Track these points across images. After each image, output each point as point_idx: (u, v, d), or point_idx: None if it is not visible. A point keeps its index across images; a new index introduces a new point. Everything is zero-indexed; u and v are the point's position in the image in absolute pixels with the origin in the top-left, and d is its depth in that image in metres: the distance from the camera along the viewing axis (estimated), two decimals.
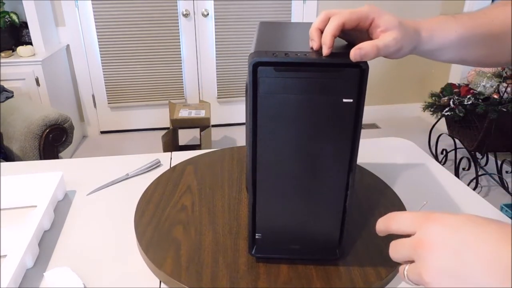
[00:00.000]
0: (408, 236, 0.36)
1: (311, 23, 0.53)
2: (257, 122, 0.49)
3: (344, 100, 0.48)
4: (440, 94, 2.36)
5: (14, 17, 2.38)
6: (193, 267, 0.57)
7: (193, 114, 2.42)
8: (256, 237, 0.57)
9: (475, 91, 2.20)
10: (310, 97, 0.48)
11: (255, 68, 0.46)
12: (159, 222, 0.68)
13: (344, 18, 0.49)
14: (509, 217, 0.75)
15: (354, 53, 0.46)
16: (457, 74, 2.86)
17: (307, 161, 0.51)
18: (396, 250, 0.37)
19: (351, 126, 0.49)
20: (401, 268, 0.37)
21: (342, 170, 0.52)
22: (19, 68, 2.26)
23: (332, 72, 0.47)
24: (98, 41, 2.72)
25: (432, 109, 2.36)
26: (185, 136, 2.87)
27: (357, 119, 0.49)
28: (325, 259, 0.59)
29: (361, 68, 0.46)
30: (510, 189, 2.21)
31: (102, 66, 2.79)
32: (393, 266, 0.58)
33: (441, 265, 0.32)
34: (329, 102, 0.48)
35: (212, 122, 2.51)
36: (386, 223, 0.39)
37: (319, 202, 0.54)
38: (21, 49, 2.30)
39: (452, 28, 0.54)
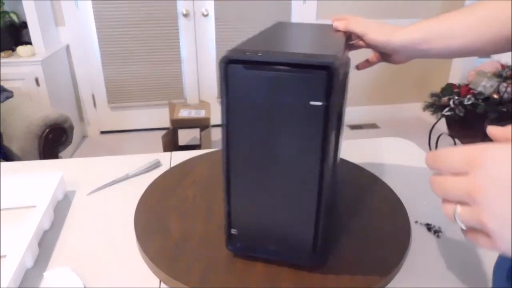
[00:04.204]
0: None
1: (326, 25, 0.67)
2: (229, 119, 0.49)
3: (311, 103, 0.46)
4: (440, 94, 2.37)
5: (14, 17, 2.38)
6: (193, 267, 0.57)
7: (193, 114, 2.42)
8: (232, 232, 0.57)
9: (475, 91, 2.20)
10: (278, 97, 0.46)
11: (226, 65, 0.46)
12: (159, 222, 0.68)
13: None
14: None
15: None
16: (457, 74, 2.86)
17: (276, 161, 0.50)
18: (443, 190, 0.34)
19: (320, 129, 0.47)
20: (448, 207, 0.34)
21: (311, 173, 0.49)
22: (19, 68, 2.26)
23: (299, 73, 0.45)
24: (98, 41, 2.72)
25: (432, 109, 2.36)
26: (185, 136, 2.87)
27: (326, 122, 0.46)
28: (300, 264, 0.57)
29: (330, 70, 0.44)
30: None
31: (102, 66, 2.79)
32: (382, 277, 0.57)
33: (507, 211, 0.29)
34: (296, 103, 0.46)
35: (212, 122, 2.51)
36: (434, 160, 0.35)
37: (290, 203, 0.52)
38: (21, 49, 2.30)
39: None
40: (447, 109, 2.25)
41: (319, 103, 0.45)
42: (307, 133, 0.47)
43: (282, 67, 0.45)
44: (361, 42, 0.68)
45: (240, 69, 0.46)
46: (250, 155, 0.51)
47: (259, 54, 0.46)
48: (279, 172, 0.51)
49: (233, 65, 0.46)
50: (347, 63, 0.59)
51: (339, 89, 0.49)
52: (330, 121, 0.46)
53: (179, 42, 2.81)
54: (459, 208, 0.33)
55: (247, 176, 0.52)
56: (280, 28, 0.65)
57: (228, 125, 0.50)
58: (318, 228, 0.53)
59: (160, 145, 2.40)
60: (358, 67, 0.76)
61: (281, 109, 0.47)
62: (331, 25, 0.69)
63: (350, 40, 0.69)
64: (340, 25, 0.67)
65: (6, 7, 2.41)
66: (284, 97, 0.46)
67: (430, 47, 0.61)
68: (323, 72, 0.44)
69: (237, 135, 0.50)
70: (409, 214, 0.71)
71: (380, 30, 0.65)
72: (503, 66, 2.22)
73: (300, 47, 0.55)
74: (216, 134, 2.94)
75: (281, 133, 0.48)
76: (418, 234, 0.68)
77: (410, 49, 0.63)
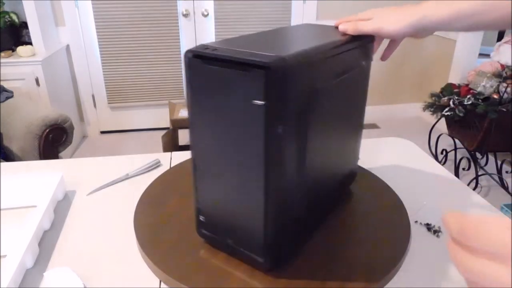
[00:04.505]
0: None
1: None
2: (192, 113, 0.52)
3: (254, 102, 0.45)
4: (440, 94, 2.36)
5: (14, 17, 2.38)
6: (193, 267, 0.57)
7: None
8: (200, 219, 0.60)
9: (475, 91, 2.20)
10: (228, 93, 0.47)
11: (189, 59, 0.49)
12: (159, 222, 0.68)
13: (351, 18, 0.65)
14: (509, 217, 0.75)
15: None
16: (457, 74, 2.86)
17: (228, 157, 0.51)
18: (471, 273, 0.26)
19: (261, 129, 0.46)
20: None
21: (257, 171, 0.49)
22: (19, 68, 2.26)
23: (242, 70, 0.45)
24: (98, 41, 2.72)
25: (432, 109, 2.36)
26: (185, 136, 2.87)
27: (270, 122, 0.46)
28: (253, 264, 0.57)
29: (268, 70, 0.43)
30: (510, 189, 2.21)
31: (102, 66, 2.79)
32: (382, 276, 0.58)
33: None
34: (243, 101, 0.46)
35: None
36: (462, 232, 0.27)
37: (242, 200, 0.53)
38: (21, 49, 2.30)
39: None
40: (447, 109, 2.25)
41: (261, 103, 0.45)
42: (252, 132, 0.47)
43: (230, 65, 0.46)
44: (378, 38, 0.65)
45: (200, 63, 0.48)
46: (207, 147, 0.53)
47: (214, 50, 0.47)
48: (231, 167, 0.52)
49: (194, 59, 0.48)
50: (316, 65, 0.52)
51: (297, 90, 0.48)
52: (276, 121, 0.46)
53: (179, 42, 2.81)
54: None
55: (207, 166, 0.54)
56: (292, 29, 0.65)
57: (191, 118, 0.52)
58: (268, 228, 0.52)
59: (160, 145, 2.40)
60: (383, 58, 0.71)
61: (230, 105, 0.48)
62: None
63: (373, 39, 0.65)
64: (349, 28, 0.63)
65: (6, 7, 2.41)
66: (233, 94, 0.47)
67: (462, 25, 0.59)
68: (261, 72, 0.44)
69: (198, 128, 0.52)
70: (409, 214, 0.72)
71: (397, 18, 0.60)
72: (503, 66, 2.22)
73: (270, 47, 0.52)
74: None
75: (232, 130, 0.49)
76: (418, 234, 0.68)
77: (441, 29, 0.60)
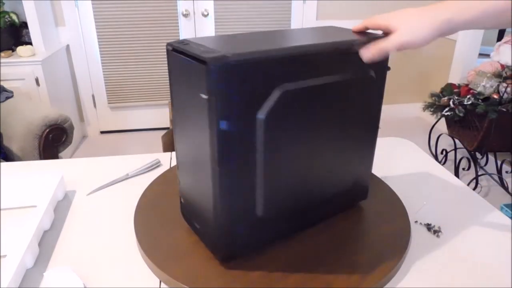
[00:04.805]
0: None
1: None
2: (173, 103, 0.56)
3: (201, 95, 0.48)
4: (440, 94, 2.36)
5: (14, 17, 2.38)
6: (193, 267, 0.57)
7: None
8: (181, 200, 0.65)
9: (475, 91, 2.20)
10: (188, 86, 0.51)
11: (169, 52, 0.52)
12: (159, 222, 0.68)
13: (365, 23, 0.59)
14: (509, 217, 0.75)
15: (362, 52, 0.55)
16: (457, 74, 2.86)
17: (191, 147, 0.55)
18: None
19: (206, 122, 0.49)
20: None
21: (207, 164, 0.51)
22: (19, 68, 2.26)
23: (197, 64, 0.47)
24: (98, 41, 2.72)
25: (432, 109, 2.36)
26: None
27: (214, 116, 0.48)
28: (212, 251, 0.60)
29: (207, 65, 0.45)
30: (510, 189, 2.21)
31: (102, 66, 2.79)
32: (382, 276, 0.58)
33: None
34: (196, 94, 0.49)
35: None
36: None
37: (201, 191, 0.56)
38: (21, 49, 2.30)
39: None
40: (447, 109, 2.25)
41: (205, 97, 0.47)
42: (201, 126, 0.50)
43: (190, 59, 0.49)
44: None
45: (175, 56, 0.52)
46: (181, 137, 0.57)
47: (186, 44, 0.51)
48: (193, 159, 0.56)
49: (173, 53, 0.51)
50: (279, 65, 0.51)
51: (245, 89, 0.49)
52: (219, 116, 0.48)
53: None
54: None
55: (181, 155, 0.58)
56: (291, 30, 0.63)
57: (173, 110, 0.55)
58: (219, 221, 0.54)
59: (160, 145, 2.40)
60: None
61: (190, 98, 0.51)
62: (365, 33, 0.62)
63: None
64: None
65: (6, 7, 2.41)
66: (191, 87, 0.50)
67: (492, 24, 0.55)
68: (203, 67, 0.46)
69: (177, 119, 0.57)
70: (409, 214, 0.72)
71: (420, 25, 0.54)
72: (503, 66, 2.22)
73: (235, 45, 0.52)
74: None
75: (191, 122, 0.53)
76: (418, 234, 0.68)
77: (467, 29, 0.56)
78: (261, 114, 0.51)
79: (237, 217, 0.55)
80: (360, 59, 0.57)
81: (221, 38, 0.56)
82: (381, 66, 0.62)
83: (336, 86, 0.57)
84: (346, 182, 0.67)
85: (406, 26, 0.54)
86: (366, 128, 0.66)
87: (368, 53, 0.56)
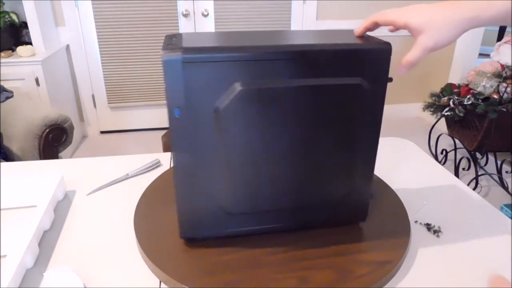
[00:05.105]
0: None
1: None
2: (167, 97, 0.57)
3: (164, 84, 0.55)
4: (440, 94, 2.36)
5: (14, 17, 2.38)
6: (193, 267, 0.57)
7: None
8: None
9: (475, 91, 2.20)
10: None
11: (163, 46, 0.55)
12: (159, 222, 0.68)
13: (375, 17, 0.57)
14: (509, 217, 0.75)
15: (399, 70, 0.55)
16: (457, 74, 2.86)
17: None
18: None
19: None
20: None
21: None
22: (19, 68, 2.26)
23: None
24: (98, 41, 2.72)
25: (432, 109, 2.36)
26: None
27: (169, 104, 0.54)
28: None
29: (164, 58, 0.51)
30: (510, 189, 2.21)
31: (102, 66, 2.79)
32: (382, 276, 0.58)
33: None
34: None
35: None
36: None
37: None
38: (21, 49, 2.30)
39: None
40: (447, 109, 2.25)
41: (165, 86, 0.53)
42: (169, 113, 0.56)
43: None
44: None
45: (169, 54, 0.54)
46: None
47: (172, 39, 0.56)
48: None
49: (165, 51, 0.53)
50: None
51: (199, 82, 0.52)
52: (172, 104, 0.53)
53: None
54: None
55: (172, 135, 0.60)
56: (291, 31, 0.64)
57: (167, 101, 0.57)
58: (179, 202, 0.59)
59: (160, 145, 2.40)
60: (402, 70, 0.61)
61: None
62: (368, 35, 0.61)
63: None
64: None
65: (6, 7, 2.41)
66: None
67: (508, 22, 0.52)
68: (163, 60, 0.51)
69: (170, 113, 0.59)
70: (409, 214, 0.72)
71: (445, 27, 0.51)
72: (503, 66, 2.22)
73: (208, 42, 0.55)
74: None
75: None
76: (418, 234, 0.68)
77: (489, 25, 0.54)
78: (214, 106, 0.54)
79: (199, 204, 0.59)
80: (340, 66, 0.53)
81: (206, 34, 0.60)
82: (379, 75, 0.58)
83: (304, 90, 0.54)
84: (332, 197, 0.63)
85: (433, 28, 0.52)
86: (355, 143, 0.59)
87: (402, 69, 0.57)
